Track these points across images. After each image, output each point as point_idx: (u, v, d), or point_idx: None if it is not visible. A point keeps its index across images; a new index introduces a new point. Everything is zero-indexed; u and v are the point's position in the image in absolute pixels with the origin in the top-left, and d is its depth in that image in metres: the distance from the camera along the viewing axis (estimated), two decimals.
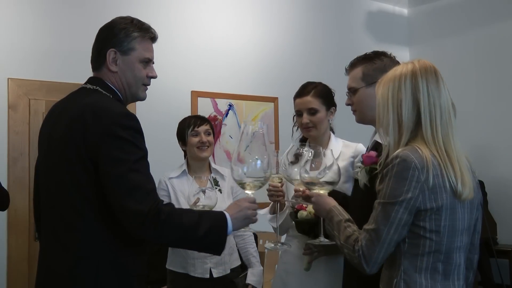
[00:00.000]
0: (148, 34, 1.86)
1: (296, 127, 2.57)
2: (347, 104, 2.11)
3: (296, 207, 2.28)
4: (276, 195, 2.18)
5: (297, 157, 2.04)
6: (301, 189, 1.98)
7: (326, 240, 1.97)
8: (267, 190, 2.19)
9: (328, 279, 2.34)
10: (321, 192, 1.89)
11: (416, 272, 1.58)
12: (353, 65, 2.09)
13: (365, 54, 2.09)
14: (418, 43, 6.37)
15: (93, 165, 1.65)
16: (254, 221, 1.83)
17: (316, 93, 2.43)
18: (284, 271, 2.48)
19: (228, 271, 2.92)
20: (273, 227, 2.38)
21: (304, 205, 2.22)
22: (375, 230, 1.56)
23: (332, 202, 1.81)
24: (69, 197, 1.69)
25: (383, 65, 2.01)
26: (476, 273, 1.81)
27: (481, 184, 5.04)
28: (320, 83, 2.51)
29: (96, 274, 1.66)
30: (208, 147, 2.93)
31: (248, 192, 1.86)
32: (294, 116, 2.57)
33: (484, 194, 5.28)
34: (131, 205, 1.59)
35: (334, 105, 2.50)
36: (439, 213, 1.55)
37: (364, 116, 2.06)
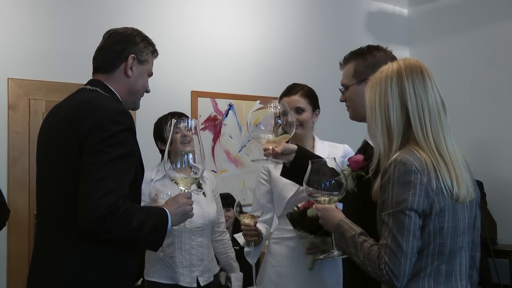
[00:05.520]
0: (156, 51, 1.98)
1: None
2: (341, 101, 2.09)
3: (300, 206, 2.23)
4: (249, 234, 2.19)
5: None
6: (270, 147, 1.93)
7: (339, 252, 1.78)
8: (241, 229, 2.21)
9: (329, 279, 2.33)
10: (327, 204, 1.74)
11: (419, 277, 1.54)
12: (346, 60, 2.06)
13: (359, 49, 2.05)
14: (418, 43, 6.37)
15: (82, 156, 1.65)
16: (191, 216, 1.85)
17: (303, 93, 2.52)
18: (275, 273, 2.45)
19: (212, 278, 2.91)
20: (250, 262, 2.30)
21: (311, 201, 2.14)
22: (395, 243, 1.48)
23: (339, 215, 1.70)
24: (62, 193, 1.70)
25: (375, 61, 1.97)
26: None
27: (480, 184, 5.03)
28: (306, 85, 2.57)
29: (81, 272, 1.65)
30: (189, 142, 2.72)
31: (182, 188, 1.85)
32: None
33: (484, 194, 5.27)
34: (95, 194, 1.57)
35: (319, 107, 2.56)
36: (442, 215, 1.52)
37: (356, 113, 2.02)
